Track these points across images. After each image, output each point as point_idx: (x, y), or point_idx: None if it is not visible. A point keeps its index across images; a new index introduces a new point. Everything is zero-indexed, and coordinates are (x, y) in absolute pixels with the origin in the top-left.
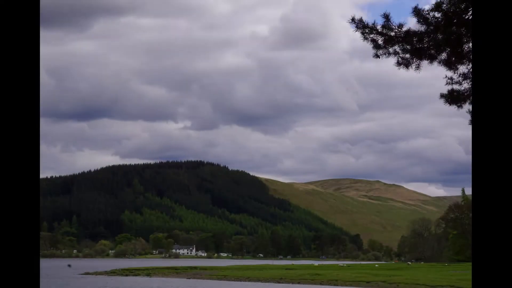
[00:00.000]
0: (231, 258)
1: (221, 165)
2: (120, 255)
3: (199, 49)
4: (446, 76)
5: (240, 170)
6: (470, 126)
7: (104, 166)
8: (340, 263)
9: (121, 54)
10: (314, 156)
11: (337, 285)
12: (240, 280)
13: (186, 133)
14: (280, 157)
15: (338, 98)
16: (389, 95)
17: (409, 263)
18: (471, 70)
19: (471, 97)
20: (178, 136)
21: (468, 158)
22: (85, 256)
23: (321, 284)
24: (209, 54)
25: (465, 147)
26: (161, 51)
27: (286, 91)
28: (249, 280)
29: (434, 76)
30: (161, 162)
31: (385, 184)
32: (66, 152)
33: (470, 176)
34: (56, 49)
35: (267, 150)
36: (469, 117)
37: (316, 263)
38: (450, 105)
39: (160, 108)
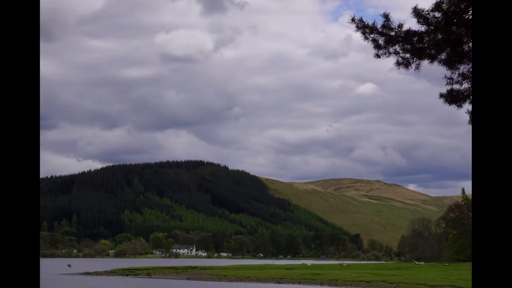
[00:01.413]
0: (231, 258)
1: (221, 165)
2: (120, 254)
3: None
4: (445, 76)
5: (241, 170)
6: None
7: (104, 166)
8: (341, 262)
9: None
10: (275, 158)
11: (337, 285)
12: (240, 280)
13: (138, 136)
14: (238, 158)
15: (250, 105)
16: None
17: (416, 262)
18: (470, 70)
19: (470, 97)
20: (132, 140)
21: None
22: (85, 255)
23: (321, 284)
24: (133, 67)
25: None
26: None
27: (201, 99)
28: (249, 280)
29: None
30: (161, 162)
31: (385, 184)
32: None
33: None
34: None
35: (219, 152)
36: (467, 116)
37: (309, 262)
38: (449, 104)
39: (98, 115)
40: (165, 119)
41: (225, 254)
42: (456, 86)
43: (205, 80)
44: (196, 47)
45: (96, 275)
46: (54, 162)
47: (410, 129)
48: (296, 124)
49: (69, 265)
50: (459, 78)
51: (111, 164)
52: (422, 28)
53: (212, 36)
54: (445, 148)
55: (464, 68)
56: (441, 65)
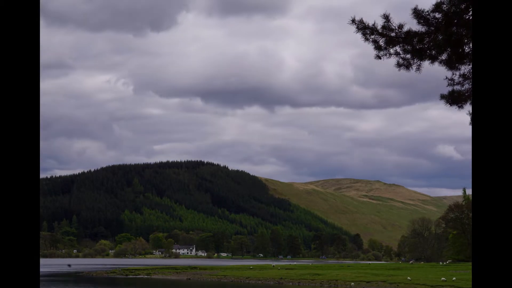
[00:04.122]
0: (231, 258)
1: (221, 165)
2: (120, 254)
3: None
4: (446, 77)
5: (240, 170)
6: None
7: (104, 166)
8: (344, 262)
9: None
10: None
11: (337, 285)
12: (240, 280)
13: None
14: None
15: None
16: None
17: (412, 262)
18: (471, 70)
19: (471, 98)
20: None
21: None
22: (85, 255)
23: (321, 284)
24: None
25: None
26: None
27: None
28: (249, 280)
29: None
30: (161, 162)
31: (385, 184)
32: None
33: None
34: None
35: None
36: (468, 118)
37: (292, 263)
38: (450, 105)
39: None
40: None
41: (225, 254)
42: (457, 87)
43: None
44: None
45: (96, 275)
46: None
47: None
48: None
49: (69, 265)
50: (460, 79)
51: (111, 164)
52: (423, 29)
53: None
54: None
55: (465, 69)
56: (442, 65)
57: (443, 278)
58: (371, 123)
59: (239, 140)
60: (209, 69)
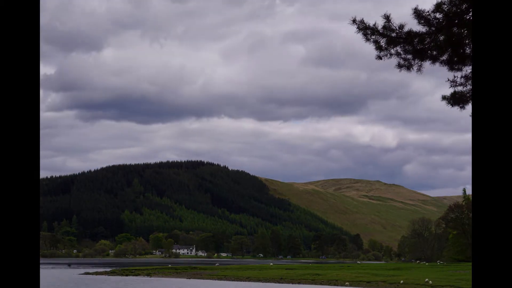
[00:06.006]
0: (231, 258)
1: (221, 165)
2: (120, 255)
3: None
4: (448, 79)
5: (240, 170)
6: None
7: (104, 166)
8: (344, 262)
9: None
10: None
11: (337, 285)
12: (240, 280)
13: None
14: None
15: None
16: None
17: (418, 261)
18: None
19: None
20: None
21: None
22: (85, 256)
23: (321, 284)
24: None
25: None
26: None
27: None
28: (249, 280)
29: None
30: (161, 162)
31: (385, 184)
32: None
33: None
34: None
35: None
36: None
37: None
38: (452, 106)
39: None
40: None
41: (225, 254)
42: (458, 88)
43: None
44: None
45: (96, 275)
46: None
47: None
48: None
49: (68, 265)
50: (462, 80)
51: (111, 164)
52: (423, 30)
53: None
54: None
55: (467, 70)
56: (443, 66)
57: (426, 279)
58: (291, 130)
59: (169, 145)
60: (129, 85)
